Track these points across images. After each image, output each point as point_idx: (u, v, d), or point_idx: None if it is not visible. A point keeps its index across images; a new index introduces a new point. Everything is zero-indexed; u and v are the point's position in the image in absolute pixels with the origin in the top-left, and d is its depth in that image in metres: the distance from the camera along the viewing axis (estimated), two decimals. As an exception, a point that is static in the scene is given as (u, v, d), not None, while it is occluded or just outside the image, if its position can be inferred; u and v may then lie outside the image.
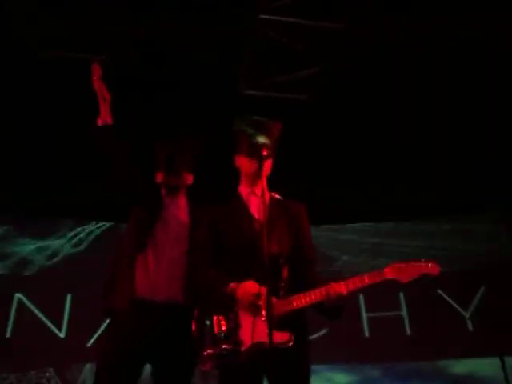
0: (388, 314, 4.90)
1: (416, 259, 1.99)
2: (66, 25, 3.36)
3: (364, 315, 4.92)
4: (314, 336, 4.42)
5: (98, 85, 2.34)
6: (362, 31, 3.57)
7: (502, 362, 4.47)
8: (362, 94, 4.06)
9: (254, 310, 1.88)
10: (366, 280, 1.92)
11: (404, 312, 4.91)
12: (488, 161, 4.68)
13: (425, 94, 4.05)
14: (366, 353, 4.73)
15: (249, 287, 1.89)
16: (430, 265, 1.96)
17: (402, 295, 4.94)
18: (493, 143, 4.49)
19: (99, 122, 2.34)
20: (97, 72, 2.36)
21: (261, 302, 1.87)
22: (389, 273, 1.93)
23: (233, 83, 3.75)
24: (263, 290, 1.87)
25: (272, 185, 2.19)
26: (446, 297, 4.92)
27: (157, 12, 3.39)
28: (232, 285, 1.93)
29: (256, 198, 2.14)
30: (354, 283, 1.91)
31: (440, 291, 4.93)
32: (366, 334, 4.87)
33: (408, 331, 4.85)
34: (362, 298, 4.94)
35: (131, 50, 3.41)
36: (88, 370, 4.38)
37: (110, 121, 2.35)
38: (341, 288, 1.89)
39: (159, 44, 3.49)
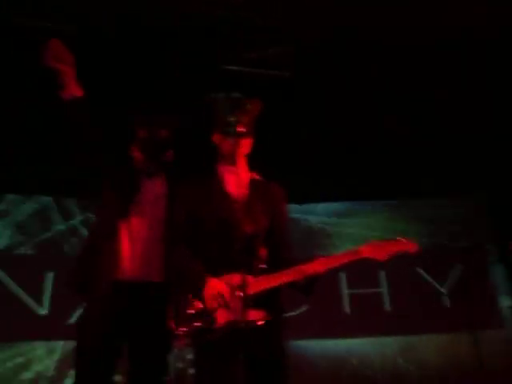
0: (368, 290, 4.98)
1: (393, 238, 1.99)
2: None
3: (345, 292, 4.99)
4: (295, 313, 4.49)
5: (48, 57, 2.13)
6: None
7: (475, 337, 4.62)
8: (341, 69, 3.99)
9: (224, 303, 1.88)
10: (343, 259, 1.93)
11: (384, 289, 5.00)
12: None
13: (403, 66, 3.98)
14: (346, 328, 4.83)
15: (215, 288, 1.88)
16: (407, 242, 1.97)
17: (383, 273, 5.03)
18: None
19: (65, 96, 2.18)
20: (53, 48, 2.13)
21: (235, 282, 1.87)
22: (365, 251, 1.93)
23: (211, 58, 3.66)
24: (235, 277, 1.86)
25: (253, 165, 2.17)
26: (424, 274, 5.03)
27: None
28: (201, 278, 1.91)
29: (233, 176, 2.11)
30: (331, 262, 1.92)
31: (419, 269, 5.03)
32: (347, 310, 4.95)
33: (388, 307, 4.95)
34: (343, 276, 5.00)
35: (105, 21, 3.28)
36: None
37: (79, 93, 2.19)
38: (318, 267, 1.90)
39: (134, 17, 3.38)
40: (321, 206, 5.33)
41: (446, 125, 4.52)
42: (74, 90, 2.20)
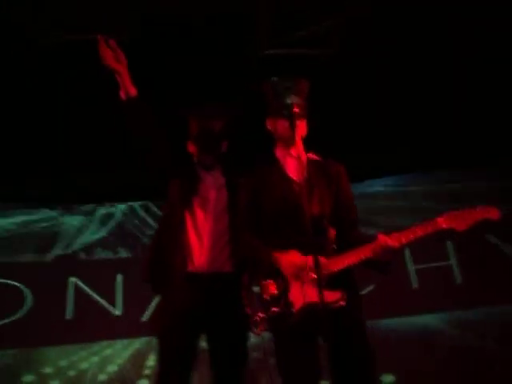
0: (436, 264, 4.81)
1: (471, 206, 1.87)
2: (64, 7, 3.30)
3: (412, 268, 4.85)
4: (362, 292, 4.41)
5: (106, 56, 2.19)
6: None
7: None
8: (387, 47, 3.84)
9: (302, 275, 1.86)
10: (419, 232, 1.83)
11: (453, 261, 4.81)
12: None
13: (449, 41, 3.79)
14: (415, 304, 4.70)
15: (291, 259, 1.87)
16: (488, 209, 1.86)
17: (449, 244, 4.84)
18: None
19: (122, 96, 2.25)
20: (101, 42, 2.21)
21: (309, 264, 1.85)
22: (443, 222, 1.83)
23: (251, 45, 3.62)
24: (309, 258, 1.83)
25: (308, 146, 2.14)
26: (496, 241, 4.76)
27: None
28: (274, 255, 1.90)
29: (293, 159, 2.09)
30: (407, 236, 1.84)
31: (489, 236, 4.77)
32: (415, 285, 4.82)
33: (458, 280, 4.76)
34: (407, 252, 4.86)
35: (138, 25, 3.32)
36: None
37: (133, 92, 2.24)
38: (393, 241, 1.83)
39: (167, 15, 3.39)
40: (379, 182, 5.19)
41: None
42: (130, 90, 2.25)
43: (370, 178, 5.10)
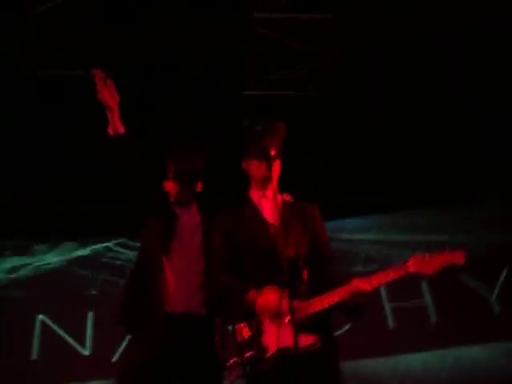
0: (411, 302, 4.83)
1: (440, 249, 1.90)
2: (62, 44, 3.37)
3: (387, 306, 4.85)
4: (338, 332, 4.37)
5: (102, 91, 2.22)
6: (355, 20, 3.53)
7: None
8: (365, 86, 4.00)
9: (277, 317, 1.84)
10: (390, 275, 1.85)
11: (428, 300, 4.84)
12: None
13: (424, 81, 3.98)
14: (391, 344, 4.68)
15: (269, 296, 1.85)
16: (454, 253, 1.88)
17: (424, 284, 4.88)
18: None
19: (110, 132, 2.27)
20: (99, 77, 2.23)
21: (283, 308, 1.83)
22: (412, 266, 1.85)
23: (235, 84, 3.72)
24: (283, 301, 1.81)
25: (282, 186, 2.16)
26: (469, 282, 4.83)
27: (153, 20, 3.39)
28: (251, 293, 1.89)
29: (267, 201, 2.10)
30: (378, 279, 1.85)
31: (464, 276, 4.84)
32: (391, 325, 4.81)
33: (433, 319, 4.78)
34: (383, 289, 4.87)
35: (129, 60, 3.39)
36: None
37: (121, 129, 2.28)
38: (364, 285, 1.84)
39: (157, 51, 3.48)
40: (349, 222, 5.24)
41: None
42: (118, 127, 2.28)
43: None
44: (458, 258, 1.88)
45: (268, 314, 1.85)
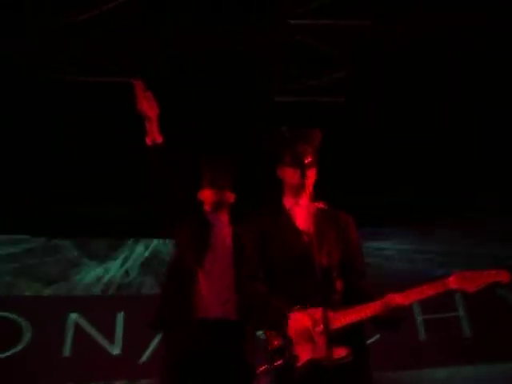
0: (444, 315, 4.70)
1: (482, 269, 1.85)
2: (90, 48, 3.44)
3: (419, 318, 4.74)
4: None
5: (142, 102, 2.22)
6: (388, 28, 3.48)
7: None
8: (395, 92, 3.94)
9: (310, 339, 1.80)
10: (429, 291, 1.81)
11: (461, 313, 4.70)
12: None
13: (452, 86, 3.90)
14: (422, 357, 4.56)
15: (298, 324, 1.81)
16: (500, 272, 1.83)
17: (458, 296, 4.74)
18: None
19: (148, 142, 2.27)
20: (139, 87, 2.23)
21: (316, 318, 1.81)
22: (453, 282, 1.81)
23: (264, 92, 3.72)
24: (317, 311, 1.80)
25: (317, 194, 2.14)
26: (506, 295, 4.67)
27: (182, 22, 3.42)
28: (282, 314, 1.85)
29: (301, 209, 2.08)
30: (416, 294, 1.81)
31: (499, 290, 4.68)
32: (422, 337, 4.69)
33: (466, 333, 4.64)
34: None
35: (159, 65, 3.42)
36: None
37: (159, 139, 2.27)
38: (402, 300, 1.80)
39: (186, 56, 3.50)
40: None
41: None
42: (156, 137, 2.29)
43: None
44: (504, 277, 1.82)
45: (301, 337, 1.83)
